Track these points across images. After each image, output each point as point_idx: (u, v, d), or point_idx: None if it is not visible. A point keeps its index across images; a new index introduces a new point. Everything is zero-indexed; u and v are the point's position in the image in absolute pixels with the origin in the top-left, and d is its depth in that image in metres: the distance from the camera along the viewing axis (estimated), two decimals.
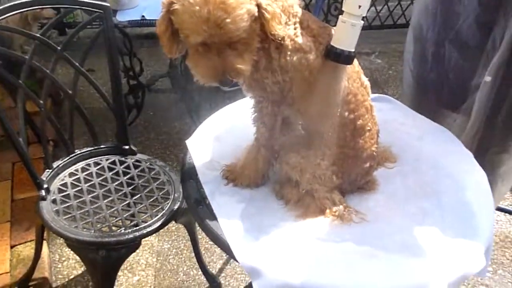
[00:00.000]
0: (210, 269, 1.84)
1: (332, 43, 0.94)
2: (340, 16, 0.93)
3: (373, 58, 3.35)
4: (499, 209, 2.11)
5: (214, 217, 1.01)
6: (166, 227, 2.05)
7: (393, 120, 1.27)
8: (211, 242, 2.13)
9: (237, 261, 0.92)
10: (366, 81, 1.04)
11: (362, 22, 0.91)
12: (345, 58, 0.93)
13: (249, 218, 1.00)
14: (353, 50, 0.93)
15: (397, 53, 3.42)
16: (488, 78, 1.22)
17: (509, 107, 1.26)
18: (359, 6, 0.89)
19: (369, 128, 1.03)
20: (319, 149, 1.02)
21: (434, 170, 1.14)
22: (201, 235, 2.00)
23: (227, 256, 1.93)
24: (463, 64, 1.31)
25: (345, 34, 0.92)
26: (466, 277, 0.92)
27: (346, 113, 0.99)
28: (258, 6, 0.87)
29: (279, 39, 0.92)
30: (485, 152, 1.32)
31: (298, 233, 0.97)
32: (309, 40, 0.96)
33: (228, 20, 0.83)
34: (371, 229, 0.98)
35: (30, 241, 1.84)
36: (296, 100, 1.00)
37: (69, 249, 1.94)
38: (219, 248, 1.90)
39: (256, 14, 0.88)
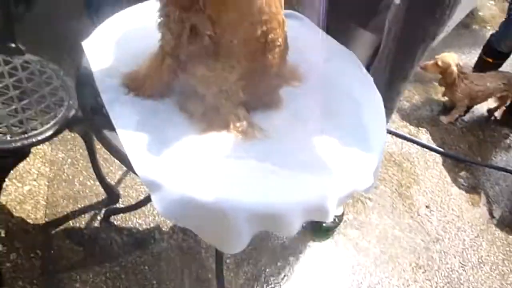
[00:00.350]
0: (109, 180, 1.79)
1: None
2: None
3: None
4: (388, 131, 2.29)
5: (112, 128, 0.95)
6: (61, 135, 1.93)
7: (302, 39, 1.26)
8: None
9: (136, 174, 0.89)
10: None
11: None
12: None
13: (150, 131, 0.96)
14: None
15: None
16: (397, 1, 1.25)
17: (414, 32, 1.31)
18: None
19: (279, 44, 1.01)
20: (228, 62, 0.99)
21: (336, 92, 1.17)
22: (99, 145, 1.92)
23: None
24: None
25: None
26: (353, 193, 1.00)
27: (258, 25, 0.95)
28: None
29: None
30: (394, 78, 1.39)
31: (200, 148, 0.96)
32: None
33: None
34: (273, 146, 1.00)
35: None
36: (207, 6, 0.93)
37: None
38: None
39: None
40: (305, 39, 1.27)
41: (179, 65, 1.01)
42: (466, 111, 2.60)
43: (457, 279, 1.89)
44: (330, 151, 1.02)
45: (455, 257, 1.96)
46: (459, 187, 2.25)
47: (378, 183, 2.15)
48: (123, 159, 0.92)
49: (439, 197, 2.18)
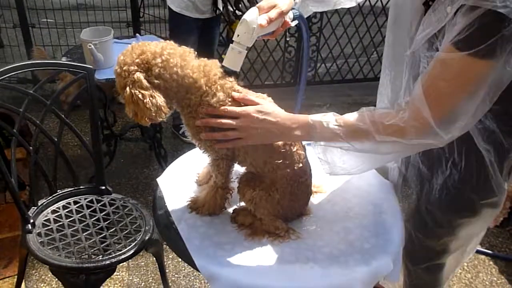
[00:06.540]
0: None
1: (223, 63, 1.22)
2: (231, 44, 1.20)
3: (324, 109, 3.71)
4: None
5: (180, 238, 1.25)
6: (136, 262, 2.26)
7: None
8: (177, 275, 2.39)
9: (198, 270, 1.16)
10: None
11: (246, 51, 1.20)
12: (230, 73, 1.22)
13: (208, 238, 1.25)
14: (238, 69, 1.21)
15: (345, 105, 3.81)
16: None
17: None
18: (237, 35, 1.18)
19: (303, 180, 1.29)
20: (268, 187, 1.28)
21: (357, 199, 1.42)
22: (168, 269, 2.20)
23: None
24: None
25: (233, 58, 1.20)
26: (377, 277, 1.19)
27: (286, 167, 1.25)
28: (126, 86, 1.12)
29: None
30: None
31: (247, 248, 1.22)
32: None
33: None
34: (305, 244, 1.25)
35: (8, 277, 2.00)
36: (247, 157, 1.27)
37: (44, 284, 2.11)
38: (184, 281, 2.17)
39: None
40: None
41: (228, 192, 1.33)
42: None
43: None
44: (353, 245, 1.25)
45: None
46: None
47: None
48: (189, 260, 1.19)
49: None
